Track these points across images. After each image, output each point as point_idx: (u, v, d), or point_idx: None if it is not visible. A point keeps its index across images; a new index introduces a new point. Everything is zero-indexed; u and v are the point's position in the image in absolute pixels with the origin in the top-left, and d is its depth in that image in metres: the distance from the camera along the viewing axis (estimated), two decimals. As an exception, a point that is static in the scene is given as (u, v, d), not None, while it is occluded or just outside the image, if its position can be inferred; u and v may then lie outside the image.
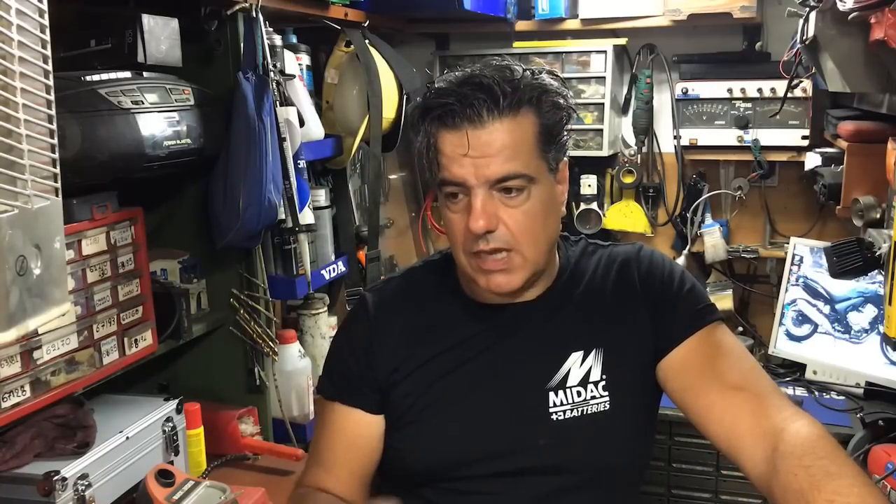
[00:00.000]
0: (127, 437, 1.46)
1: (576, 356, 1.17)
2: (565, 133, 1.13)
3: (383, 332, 1.21)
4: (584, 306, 1.20)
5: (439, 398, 1.16)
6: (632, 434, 1.19)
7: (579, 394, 1.15)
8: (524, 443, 1.14)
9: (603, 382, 1.16)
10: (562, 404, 1.15)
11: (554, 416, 1.14)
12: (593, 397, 1.15)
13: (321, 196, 2.07)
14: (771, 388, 1.10)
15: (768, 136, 2.46)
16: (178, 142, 1.48)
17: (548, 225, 1.13)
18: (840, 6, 1.28)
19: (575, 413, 1.15)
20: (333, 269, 2.09)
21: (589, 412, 1.15)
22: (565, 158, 1.16)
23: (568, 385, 1.15)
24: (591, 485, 1.15)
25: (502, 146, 1.06)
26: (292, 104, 1.79)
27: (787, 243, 2.52)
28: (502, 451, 1.14)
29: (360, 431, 1.20)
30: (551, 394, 1.15)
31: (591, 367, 1.16)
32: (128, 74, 1.43)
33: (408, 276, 1.30)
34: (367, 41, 2.09)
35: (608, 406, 1.15)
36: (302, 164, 1.80)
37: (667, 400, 1.21)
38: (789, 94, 2.14)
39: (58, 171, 0.95)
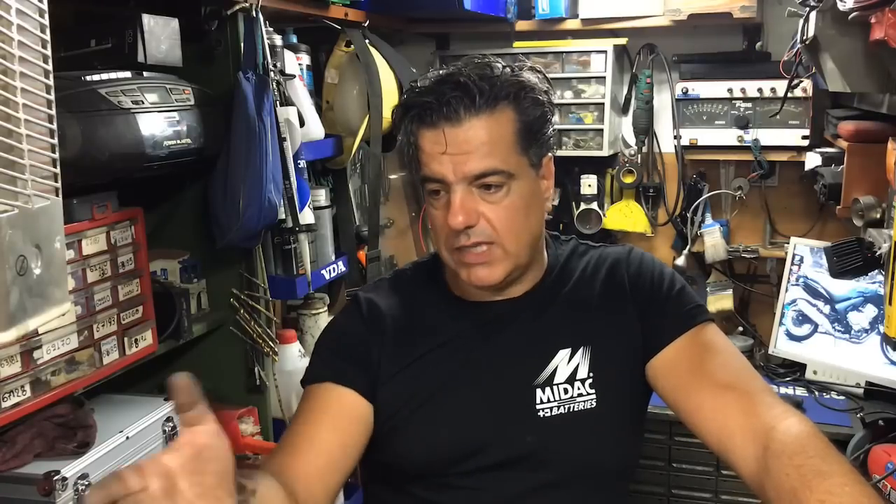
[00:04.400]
0: (127, 437, 1.46)
1: (563, 353, 1.17)
2: (548, 129, 1.14)
3: (376, 334, 1.21)
4: (572, 304, 1.21)
5: (427, 396, 1.17)
6: (618, 432, 1.20)
7: (566, 391, 1.16)
8: (511, 439, 1.14)
9: (590, 380, 1.16)
10: (548, 401, 1.15)
11: (540, 413, 1.15)
12: (580, 395, 1.16)
13: (321, 196, 2.07)
14: (761, 386, 1.10)
15: (768, 136, 2.46)
16: (178, 142, 1.48)
17: (530, 219, 1.14)
18: (840, 6, 1.28)
19: (562, 410, 1.15)
20: (334, 268, 2.09)
21: (575, 409, 1.15)
22: (550, 154, 1.17)
23: (555, 382, 1.16)
24: (578, 481, 1.16)
25: (480, 143, 1.07)
26: (292, 104, 1.79)
27: (788, 243, 2.52)
28: (489, 447, 1.14)
29: (348, 407, 1.14)
30: (538, 390, 1.16)
31: (578, 365, 1.17)
32: (128, 74, 1.43)
33: (397, 277, 1.31)
34: (367, 41, 2.09)
35: (595, 404, 1.16)
36: (302, 163, 1.80)
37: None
38: (789, 94, 2.14)
39: (58, 171, 0.95)
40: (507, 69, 1.12)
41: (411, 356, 1.19)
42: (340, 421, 1.14)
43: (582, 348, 1.18)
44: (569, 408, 1.15)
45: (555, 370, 1.17)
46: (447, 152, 1.08)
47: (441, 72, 1.13)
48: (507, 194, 1.10)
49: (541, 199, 1.16)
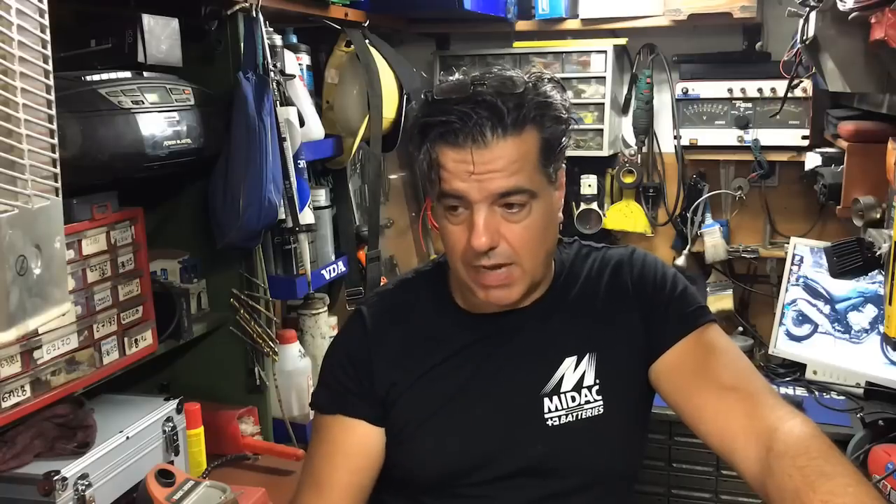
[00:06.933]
0: (127, 437, 1.46)
1: (569, 361, 1.17)
2: (564, 142, 1.12)
3: (381, 349, 1.20)
4: (577, 311, 1.20)
5: (436, 409, 1.17)
6: (626, 437, 1.20)
7: (573, 399, 1.16)
8: (520, 448, 1.14)
9: (597, 387, 1.16)
10: (556, 410, 1.15)
11: (549, 422, 1.15)
12: (587, 402, 1.16)
13: (321, 196, 2.07)
14: (764, 387, 1.10)
15: (768, 136, 2.46)
16: (178, 142, 1.48)
17: (547, 237, 1.13)
18: (840, 6, 1.28)
19: (570, 418, 1.15)
20: (333, 269, 2.09)
21: (583, 417, 1.15)
22: (563, 165, 1.16)
23: (562, 390, 1.16)
24: (588, 488, 1.16)
25: (506, 163, 1.04)
26: (292, 104, 1.80)
27: (787, 243, 2.52)
28: (499, 457, 1.14)
29: (361, 443, 1.19)
30: (546, 399, 1.15)
31: (584, 372, 1.17)
32: (128, 74, 1.43)
33: (400, 288, 1.29)
34: (367, 41, 2.09)
35: (602, 410, 1.16)
36: (302, 164, 1.80)
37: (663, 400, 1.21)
38: (789, 94, 2.14)
39: (58, 171, 0.95)
40: (530, 84, 1.08)
41: (419, 370, 1.18)
42: (356, 459, 1.18)
43: (588, 355, 1.17)
44: (577, 415, 1.15)
45: (561, 378, 1.16)
46: (473, 172, 1.04)
47: (458, 83, 1.08)
48: (529, 214, 1.08)
49: (556, 213, 1.15)
